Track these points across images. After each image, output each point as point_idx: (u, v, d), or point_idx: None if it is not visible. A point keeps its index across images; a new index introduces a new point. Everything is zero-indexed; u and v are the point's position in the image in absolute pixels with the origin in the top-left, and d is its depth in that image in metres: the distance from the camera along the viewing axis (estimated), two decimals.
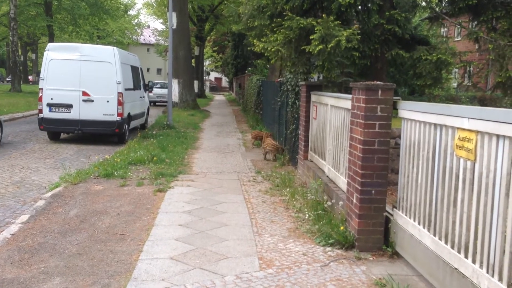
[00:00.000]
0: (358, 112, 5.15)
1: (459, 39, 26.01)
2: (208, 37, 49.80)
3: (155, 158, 10.13)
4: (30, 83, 57.71)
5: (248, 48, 13.27)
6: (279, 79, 13.20)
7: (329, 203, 6.05)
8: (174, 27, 21.04)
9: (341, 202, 5.65)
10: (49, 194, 7.29)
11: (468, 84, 9.43)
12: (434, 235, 4.07)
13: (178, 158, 10.69)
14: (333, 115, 6.84)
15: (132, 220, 6.00)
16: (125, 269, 4.49)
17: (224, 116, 24.49)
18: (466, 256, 3.57)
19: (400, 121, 5.03)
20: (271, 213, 6.50)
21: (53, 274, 4.38)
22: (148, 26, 73.60)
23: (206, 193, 7.49)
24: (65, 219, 6.06)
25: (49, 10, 33.97)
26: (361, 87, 5.08)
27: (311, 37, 7.60)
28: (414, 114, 4.54)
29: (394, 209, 4.99)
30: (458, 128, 3.69)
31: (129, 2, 62.85)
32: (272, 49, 8.44)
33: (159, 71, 79.63)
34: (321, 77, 9.19)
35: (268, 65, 25.69)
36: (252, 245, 5.19)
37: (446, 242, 3.87)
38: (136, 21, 66.50)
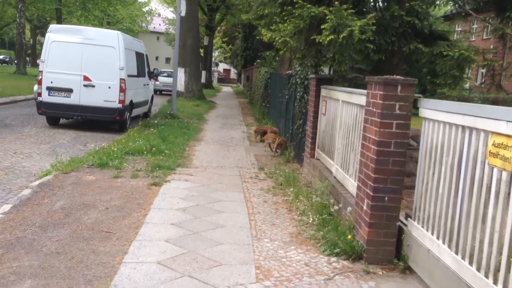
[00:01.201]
0: (374, 110, 4.63)
1: (474, 39, 25.33)
2: (218, 28, 49.21)
3: (154, 148, 9.64)
4: (38, 66, 57.32)
5: (257, 37, 12.70)
6: (287, 72, 12.66)
7: (336, 207, 5.54)
8: (183, 14, 20.53)
9: (349, 208, 5.14)
10: (37, 182, 6.83)
11: (481, 85, 8.84)
12: (456, 253, 3.56)
13: (178, 149, 10.21)
14: (344, 111, 6.32)
15: (120, 216, 5.52)
16: (105, 274, 4.01)
17: (230, 108, 23.98)
18: (495, 283, 3.06)
19: (420, 121, 4.52)
20: (272, 215, 6.00)
21: (25, 275, 3.92)
22: (159, 14, 73.04)
23: (204, 189, 7.00)
24: (49, 212, 5.60)
25: None
26: (378, 81, 4.55)
27: (322, 26, 7.05)
28: (438, 114, 4.01)
29: (409, 219, 4.47)
30: (492, 133, 3.17)
31: None
32: (280, 40, 7.90)
33: (167, 60, 79.08)
34: (331, 72, 8.64)
35: (277, 58, 25.14)
36: (249, 251, 4.70)
37: (470, 263, 3.35)
38: (147, 8, 65.91)
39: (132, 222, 5.33)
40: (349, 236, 4.75)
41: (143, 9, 64.17)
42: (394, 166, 4.48)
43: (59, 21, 34.81)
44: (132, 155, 9.33)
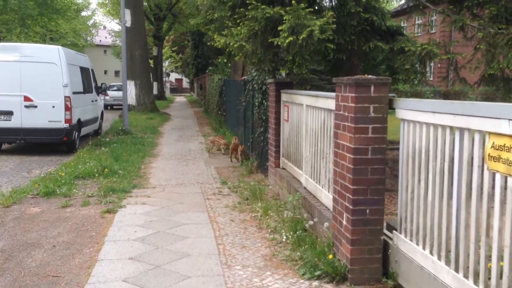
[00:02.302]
0: (346, 114, 4.20)
1: (434, 31, 25.63)
2: (167, 37, 48.31)
3: (106, 170, 8.92)
4: None
5: (208, 43, 12.15)
6: (243, 78, 12.20)
7: (310, 222, 5.08)
8: (128, 24, 19.71)
9: (326, 223, 4.68)
10: None
11: (445, 79, 8.68)
12: (457, 270, 3.15)
13: (133, 168, 9.51)
14: (310, 117, 5.89)
15: (70, 255, 4.85)
16: None
17: (185, 118, 23.28)
18: None
19: (394, 122, 4.14)
20: (242, 235, 5.48)
21: None
22: (104, 27, 71.11)
23: (164, 212, 6.39)
24: None
25: None
26: (348, 82, 4.13)
27: (279, 28, 6.62)
28: (419, 114, 3.62)
29: (394, 231, 4.06)
30: (491, 133, 2.78)
31: (83, 1, 60.36)
32: (235, 45, 7.41)
33: (117, 73, 76.93)
34: (289, 75, 8.23)
35: (229, 64, 24.67)
36: (220, 283, 4.15)
37: (476, 283, 2.95)
38: (91, 21, 64.02)
39: (83, 261, 4.67)
40: (330, 256, 4.29)
41: (87, 23, 62.30)
42: (374, 174, 4.06)
43: None
44: (82, 179, 8.57)
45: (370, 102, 4.02)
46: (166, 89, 56.56)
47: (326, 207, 5.09)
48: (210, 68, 29.48)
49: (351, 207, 4.08)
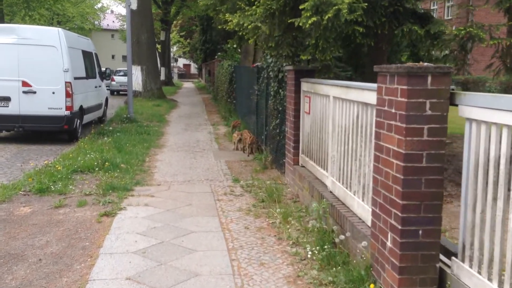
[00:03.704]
0: (393, 111, 3.39)
1: (450, 17, 24.46)
2: (175, 22, 47.29)
3: (107, 163, 8.16)
4: None
5: (219, 27, 11.29)
6: (256, 64, 11.35)
7: (341, 236, 4.30)
8: (134, 7, 18.85)
9: (364, 243, 3.89)
10: None
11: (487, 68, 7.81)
12: None
13: (136, 161, 8.76)
14: (338, 110, 5.07)
15: (57, 272, 4.10)
16: None
17: (193, 105, 22.48)
18: None
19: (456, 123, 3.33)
20: (259, 248, 4.71)
21: None
22: (112, 11, 70.16)
23: (170, 217, 5.64)
24: None
25: None
26: (398, 71, 3.31)
27: (301, 6, 5.79)
28: (497, 114, 2.79)
29: (453, 258, 3.27)
30: None
31: None
32: (249, 26, 6.59)
33: (124, 58, 75.31)
34: (309, 63, 7.40)
35: (239, 49, 23.78)
36: None
37: None
38: (99, 5, 63.12)
39: (72, 281, 3.93)
40: (372, 286, 3.51)
41: (95, 7, 61.38)
42: (429, 187, 3.26)
43: (1, 22, 32.20)
44: (81, 173, 7.84)
45: (426, 96, 3.21)
46: (173, 75, 55.68)
47: (360, 219, 4.30)
48: (219, 53, 28.60)
49: (399, 226, 3.28)
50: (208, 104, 23.03)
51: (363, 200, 4.30)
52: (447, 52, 6.27)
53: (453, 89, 3.31)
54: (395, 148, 3.36)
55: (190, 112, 19.06)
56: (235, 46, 24.96)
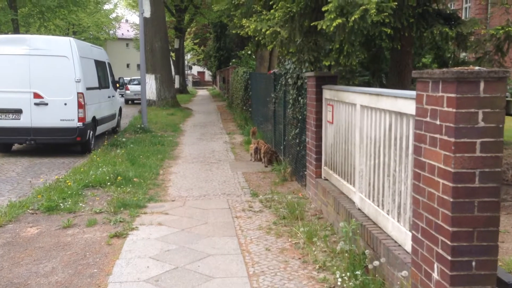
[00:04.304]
0: (438, 122, 2.95)
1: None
2: (188, 29, 47.24)
3: (119, 177, 7.81)
4: None
5: (234, 31, 10.94)
6: (273, 71, 10.95)
7: (376, 263, 3.84)
8: (147, 15, 18.71)
9: (405, 272, 3.43)
10: None
11: None
12: None
13: (150, 174, 8.40)
14: (366, 120, 4.63)
15: None
16: None
17: (208, 114, 22.16)
18: None
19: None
20: (282, 273, 4.28)
21: None
22: (126, 20, 70.63)
23: (185, 237, 5.23)
24: None
25: (13, 2, 31.07)
26: (444, 77, 2.87)
27: (324, 8, 5.37)
28: None
29: None
30: None
31: None
32: (268, 31, 6.20)
33: (139, 66, 76.25)
34: (328, 68, 6.97)
35: (254, 56, 23.45)
36: None
37: None
38: (113, 15, 63.59)
39: None
40: None
41: (110, 16, 61.83)
42: (483, 211, 2.81)
43: (16, 32, 32.38)
44: (92, 188, 7.50)
45: (479, 106, 2.76)
46: (188, 83, 55.64)
47: (396, 242, 3.85)
48: (233, 60, 28.29)
49: (448, 257, 2.83)
50: (223, 112, 22.69)
51: (398, 221, 3.85)
52: (479, 54, 5.79)
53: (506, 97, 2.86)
54: (442, 166, 2.91)
55: (205, 121, 18.72)
56: (250, 52, 24.69)
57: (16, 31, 32.34)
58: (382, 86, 8.64)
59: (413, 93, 3.45)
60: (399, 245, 3.79)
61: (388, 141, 4.09)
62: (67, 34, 45.06)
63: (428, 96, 3.09)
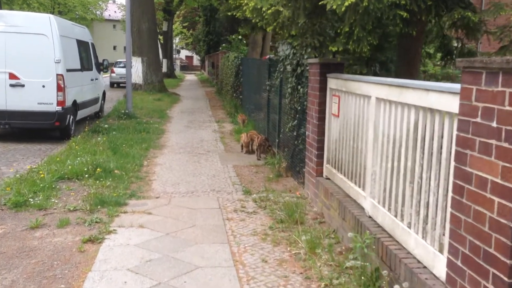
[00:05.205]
0: (494, 125, 2.33)
1: None
2: (178, 12, 46.06)
3: (98, 169, 7.11)
4: None
5: (228, 13, 10.20)
6: (268, 56, 10.25)
7: (396, 287, 3.23)
8: None
9: None
10: None
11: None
12: None
13: (133, 166, 7.71)
14: (384, 115, 4.00)
15: None
16: None
17: (196, 100, 21.38)
18: None
19: None
20: None
21: None
22: (114, 1, 69.01)
23: (169, 244, 4.57)
24: None
25: None
26: (503, 67, 2.24)
27: None
28: None
29: None
30: None
31: None
32: (269, 11, 5.50)
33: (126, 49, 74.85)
34: (333, 54, 6.32)
35: (245, 41, 22.66)
36: None
37: None
38: None
39: None
40: None
41: None
42: None
43: None
44: (68, 180, 6.80)
45: None
46: (176, 67, 54.54)
47: (420, 262, 3.24)
48: (223, 45, 27.41)
49: None
50: (212, 98, 21.94)
51: (424, 238, 3.24)
52: (506, 43, 5.20)
53: None
54: (498, 180, 2.30)
55: (193, 107, 17.97)
56: (240, 37, 23.87)
57: None
58: (387, 75, 8.03)
59: (453, 86, 2.83)
60: (424, 267, 3.18)
61: (412, 142, 3.47)
62: (52, 13, 43.72)
63: (479, 90, 2.46)
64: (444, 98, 2.97)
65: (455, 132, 2.75)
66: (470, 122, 2.54)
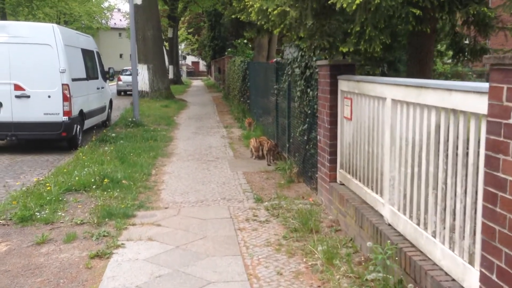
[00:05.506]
0: None
1: None
2: (182, 18, 46.06)
3: (106, 180, 6.96)
4: None
5: (232, 16, 10.08)
6: (275, 59, 10.08)
7: None
8: (139, 1, 17.75)
9: None
10: None
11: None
12: None
13: (141, 175, 7.55)
14: (401, 118, 3.79)
15: None
16: None
17: (203, 106, 21.24)
18: None
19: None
20: None
21: None
22: (119, 10, 69.24)
23: (179, 257, 4.39)
24: None
25: None
26: None
27: None
28: None
29: None
30: None
31: None
32: (275, 12, 5.32)
33: None
34: (343, 56, 6.12)
35: (251, 44, 22.52)
36: None
37: None
38: (105, 4, 62.36)
39: None
40: None
41: (102, 5, 60.58)
42: None
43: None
44: (75, 192, 6.66)
45: None
46: (182, 73, 54.53)
47: (448, 274, 3.03)
48: (229, 49, 27.29)
49: None
50: (219, 103, 21.79)
51: (451, 248, 3.03)
52: None
53: None
54: None
55: (200, 113, 17.82)
56: (246, 41, 23.74)
57: (3, 19, 31.20)
58: (396, 75, 7.83)
59: (479, 85, 2.63)
60: (453, 279, 2.97)
61: (434, 145, 3.27)
62: (58, 23, 43.91)
63: (511, 89, 2.26)
64: (469, 99, 2.77)
65: (483, 135, 2.55)
66: (502, 124, 2.34)
